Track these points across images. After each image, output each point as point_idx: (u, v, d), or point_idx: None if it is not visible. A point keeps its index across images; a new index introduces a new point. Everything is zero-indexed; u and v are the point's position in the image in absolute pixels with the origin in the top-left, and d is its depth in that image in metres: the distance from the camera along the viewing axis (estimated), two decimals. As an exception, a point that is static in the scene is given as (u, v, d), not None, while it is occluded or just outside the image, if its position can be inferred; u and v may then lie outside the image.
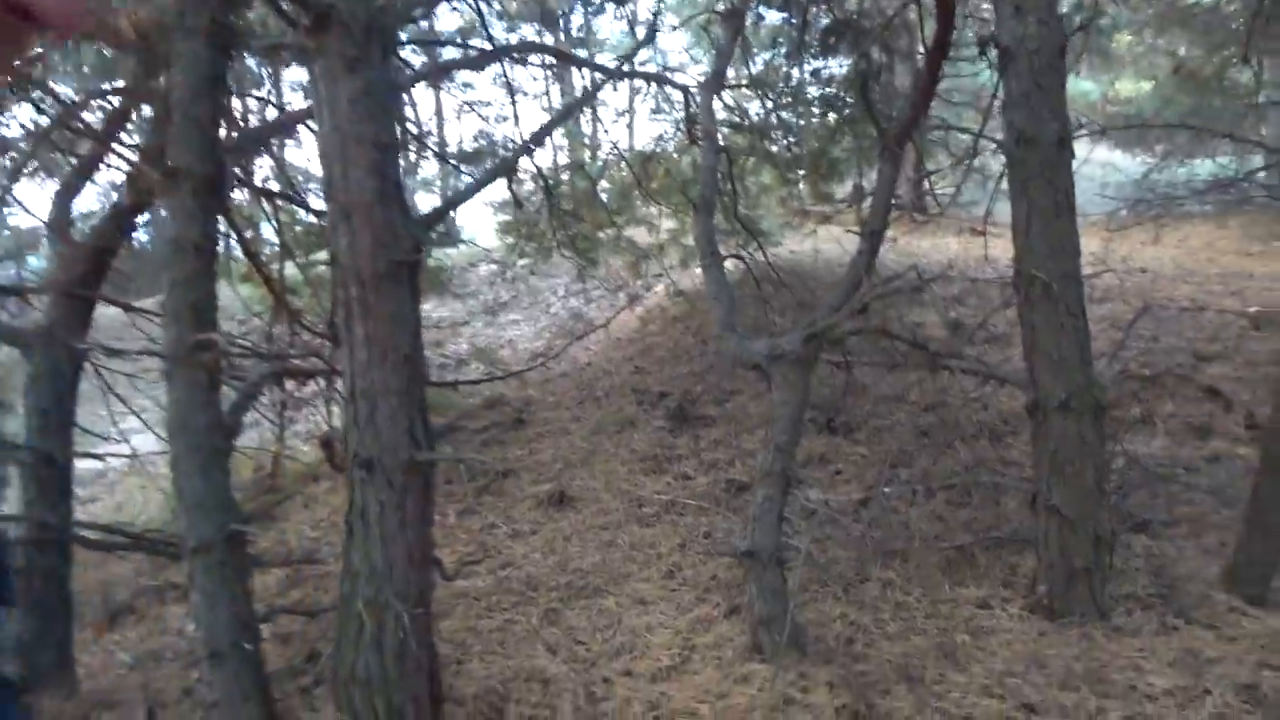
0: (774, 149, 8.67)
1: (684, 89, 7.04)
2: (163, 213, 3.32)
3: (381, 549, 2.98)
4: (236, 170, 4.43)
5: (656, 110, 8.71)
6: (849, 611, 3.89)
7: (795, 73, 7.07)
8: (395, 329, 2.90)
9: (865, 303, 3.09)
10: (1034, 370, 3.73)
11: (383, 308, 2.88)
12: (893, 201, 14.47)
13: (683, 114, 7.25)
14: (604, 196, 8.37)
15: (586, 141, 8.70)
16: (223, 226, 4.03)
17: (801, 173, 9.08)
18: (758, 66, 7.43)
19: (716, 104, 5.34)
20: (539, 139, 4.14)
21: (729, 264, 5.53)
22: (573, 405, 7.39)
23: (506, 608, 4.23)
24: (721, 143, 5.16)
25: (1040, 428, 3.76)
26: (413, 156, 7.27)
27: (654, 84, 6.83)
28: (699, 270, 10.18)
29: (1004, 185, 4.09)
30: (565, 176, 7.25)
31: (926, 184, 13.30)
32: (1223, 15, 10.05)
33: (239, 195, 6.11)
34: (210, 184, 3.16)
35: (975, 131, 4.24)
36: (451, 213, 4.78)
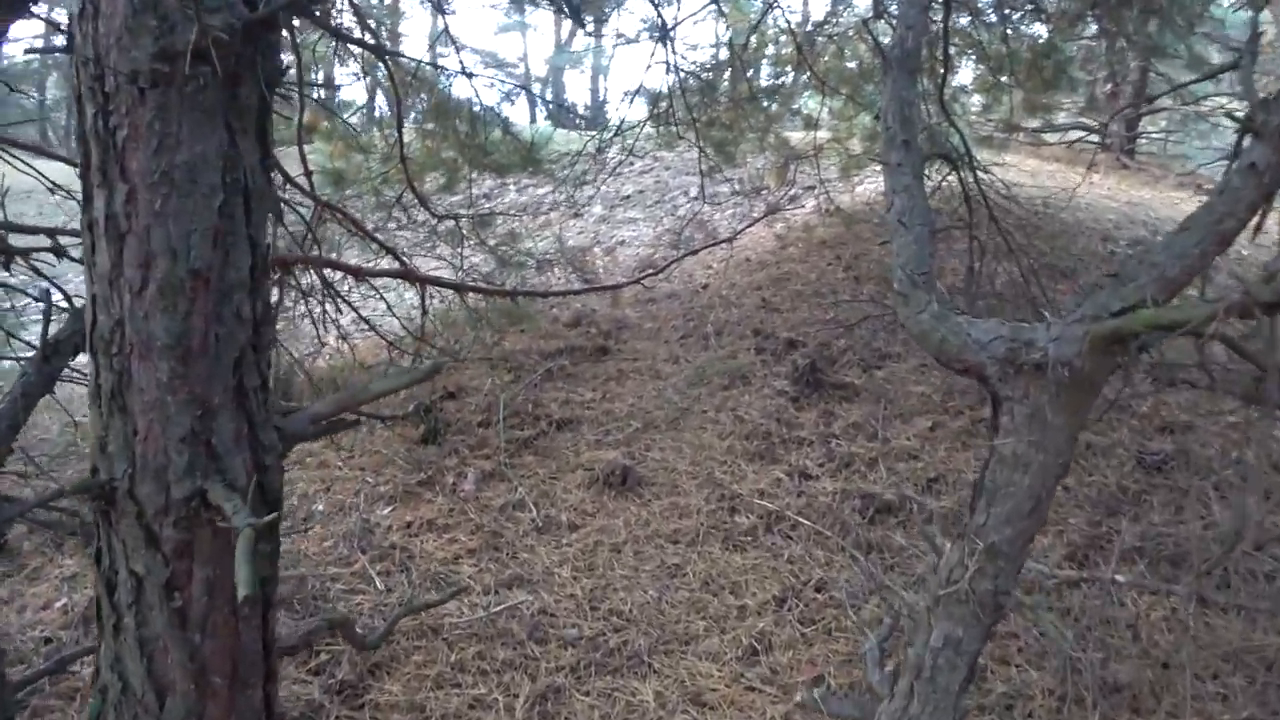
0: (983, 36, 6.51)
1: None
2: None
3: (139, 657, 1.46)
4: None
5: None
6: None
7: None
8: (178, 199, 1.30)
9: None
10: None
11: (152, 152, 1.28)
12: (1096, 136, 11.66)
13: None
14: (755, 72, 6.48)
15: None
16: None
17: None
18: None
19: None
20: None
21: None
22: (673, 338, 5.71)
23: (487, 671, 2.70)
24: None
25: None
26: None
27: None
28: (861, 183, 8.13)
29: None
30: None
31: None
32: None
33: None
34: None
35: None
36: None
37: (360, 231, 4.14)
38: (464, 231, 5.49)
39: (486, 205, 9.03)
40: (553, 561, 3.35)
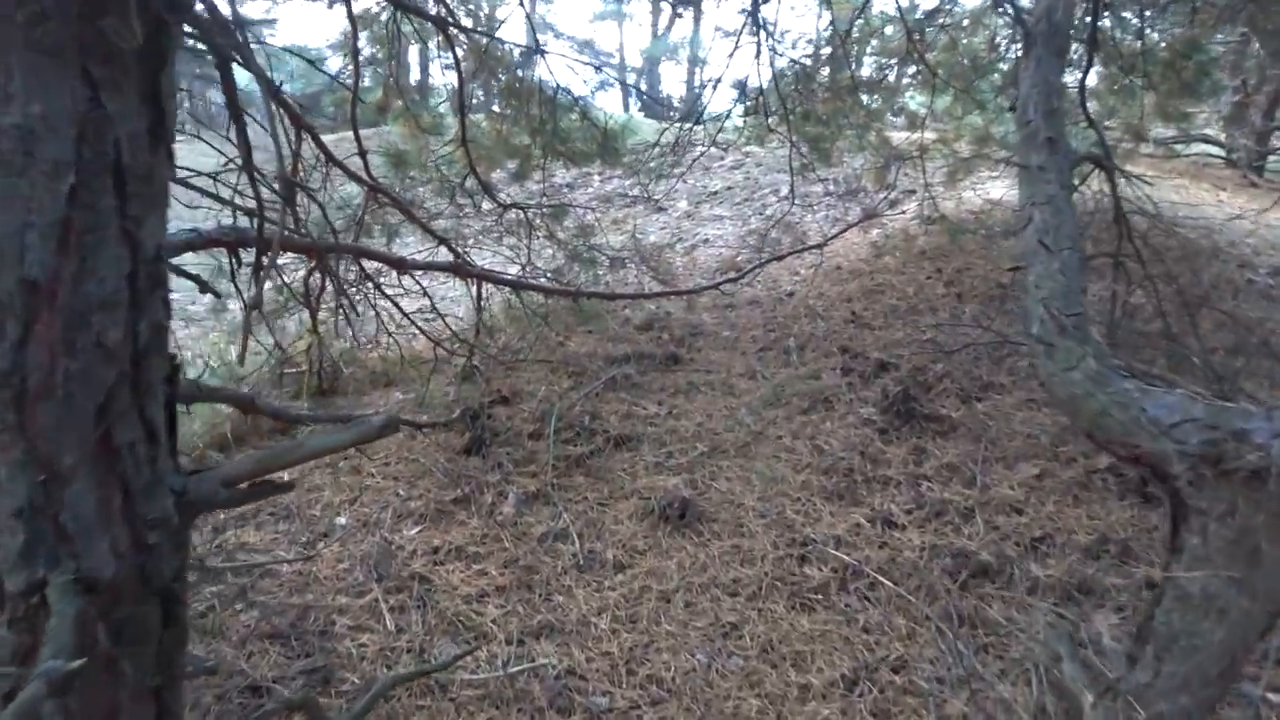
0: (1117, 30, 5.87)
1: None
2: None
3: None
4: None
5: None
6: None
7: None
8: (5, 179, 0.92)
9: None
10: None
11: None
12: (1224, 153, 10.51)
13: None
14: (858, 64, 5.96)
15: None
16: None
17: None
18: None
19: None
20: None
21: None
22: (751, 350, 5.24)
23: (496, 747, 2.31)
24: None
25: None
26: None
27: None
28: (969, 189, 7.46)
29: None
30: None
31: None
32: None
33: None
34: None
35: None
36: None
37: (411, 219, 3.81)
38: (532, 223, 5.13)
39: (568, 195, 8.68)
40: (590, 608, 2.93)
